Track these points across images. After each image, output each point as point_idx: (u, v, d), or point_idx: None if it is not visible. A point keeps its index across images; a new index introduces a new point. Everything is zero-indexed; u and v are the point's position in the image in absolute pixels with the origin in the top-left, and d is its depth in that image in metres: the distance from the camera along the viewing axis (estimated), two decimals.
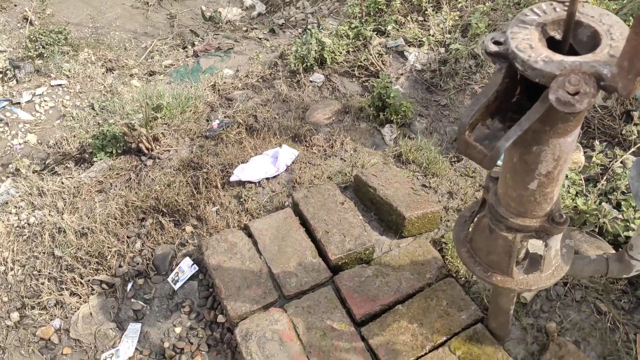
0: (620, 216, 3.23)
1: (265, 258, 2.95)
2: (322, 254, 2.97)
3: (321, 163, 3.81)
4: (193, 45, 7.22)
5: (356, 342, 2.57)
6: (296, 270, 2.87)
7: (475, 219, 2.24)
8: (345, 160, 3.87)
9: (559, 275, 2.06)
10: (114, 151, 4.32)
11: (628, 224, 3.14)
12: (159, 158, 4.24)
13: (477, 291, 2.83)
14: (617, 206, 3.33)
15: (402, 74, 4.96)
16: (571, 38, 1.47)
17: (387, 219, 3.20)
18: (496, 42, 1.50)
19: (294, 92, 4.98)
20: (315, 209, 3.15)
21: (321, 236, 2.99)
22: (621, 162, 3.59)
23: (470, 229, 2.21)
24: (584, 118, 1.47)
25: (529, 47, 1.41)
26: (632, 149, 3.66)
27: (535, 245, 2.12)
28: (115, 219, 3.53)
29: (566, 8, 1.46)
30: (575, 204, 3.34)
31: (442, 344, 2.54)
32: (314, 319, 2.66)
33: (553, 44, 1.46)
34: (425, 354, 2.51)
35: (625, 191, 3.37)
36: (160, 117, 4.61)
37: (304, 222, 3.14)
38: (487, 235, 2.01)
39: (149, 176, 3.97)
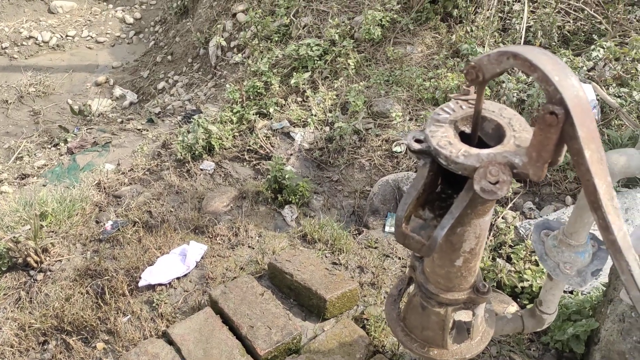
0: (512, 269, 3.54)
1: None
2: (249, 350, 2.90)
3: (230, 254, 3.77)
4: (65, 141, 6.89)
5: None
6: None
7: (404, 296, 2.35)
8: (253, 248, 3.86)
9: (487, 340, 2.21)
10: None
11: (521, 274, 3.45)
12: (50, 270, 3.93)
13: (413, 354, 2.91)
14: (508, 259, 3.65)
15: (291, 154, 5.13)
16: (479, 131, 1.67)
17: (307, 303, 3.22)
18: (417, 140, 1.66)
19: (186, 182, 4.93)
20: (235, 305, 3.09)
21: (246, 332, 2.93)
22: (502, 218, 3.97)
23: (400, 307, 2.31)
24: None
25: (449, 143, 1.57)
26: (510, 205, 4.07)
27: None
28: (12, 346, 3.18)
29: (471, 106, 1.67)
30: None
31: None
32: None
33: (464, 137, 1.65)
34: None
35: (512, 244, 3.71)
36: (46, 225, 4.30)
37: (226, 320, 3.06)
38: (420, 312, 2.12)
39: (42, 291, 3.66)
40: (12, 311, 3.52)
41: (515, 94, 4.52)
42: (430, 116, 1.68)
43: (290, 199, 4.41)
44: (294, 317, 3.17)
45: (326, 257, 3.74)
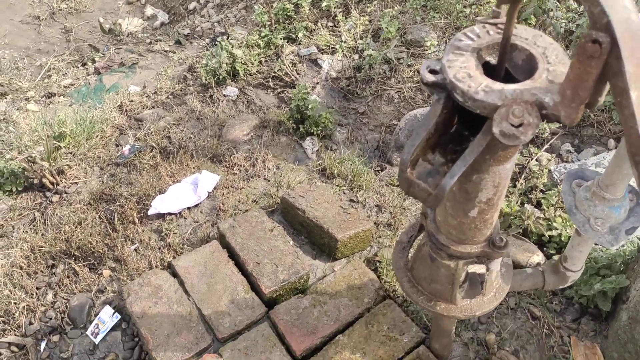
0: (542, 215, 3.29)
1: (194, 299, 2.74)
2: (254, 287, 2.80)
3: (244, 186, 3.63)
4: (94, 61, 6.75)
5: None
6: (229, 309, 2.68)
7: (414, 244, 2.17)
8: (269, 180, 3.71)
9: (501, 297, 2.03)
10: (14, 189, 3.90)
11: (550, 222, 3.20)
12: (65, 192, 3.88)
13: (416, 310, 2.77)
14: (538, 205, 3.40)
15: (317, 83, 4.87)
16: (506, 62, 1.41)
17: (318, 242, 3.08)
18: (432, 71, 1.41)
19: (208, 108, 4.75)
20: (243, 239, 2.97)
21: (252, 269, 2.82)
22: (536, 160, 3.68)
23: (409, 256, 2.13)
24: None
25: (467, 76, 1.32)
26: (545, 146, 3.76)
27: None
28: (21, 268, 3.17)
29: (500, 31, 1.40)
30: None
31: None
32: None
33: (488, 69, 1.39)
34: None
35: (544, 189, 3.45)
36: (64, 147, 4.24)
37: (233, 255, 2.96)
38: (429, 263, 1.94)
39: (56, 214, 3.62)
40: (25, 232, 3.50)
41: (563, 25, 4.08)
42: (450, 42, 1.41)
43: (312, 130, 4.20)
44: (303, 256, 3.04)
45: (344, 193, 3.56)
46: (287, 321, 2.63)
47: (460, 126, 1.53)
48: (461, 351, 2.65)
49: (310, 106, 4.18)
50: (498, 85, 1.26)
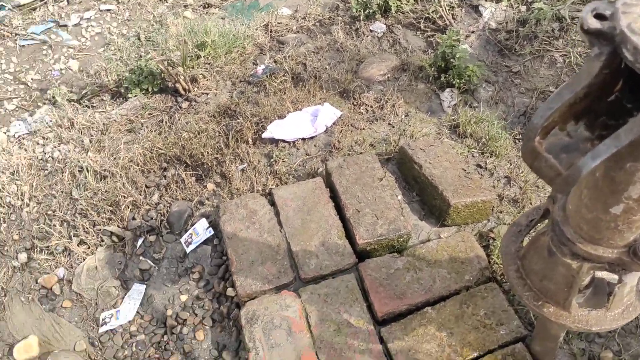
0: None
1: (286, 232, 2.63)
2: (349, 235, 2.62)
3: (366, 127, 3.40)
4: None
5: (373, 344, 2.24)
6: (317, 251, 2.54)
7: (533, 231, 1.83)
8: (393, 127, 3.44)
9: (630, 317, 1.64)
10: (150, 88, 4.04)
11: None
12: (195, 101, 3.94)
13: (524, 303, 2.42)
14: None
15: (473, 32, 4.40)
16: None
17: (430, 202, 2.80)
18: (599, 16, 1.05)
19: (351, 41, 4.52)
20: (349, 183, 2.78)
21: (351, 215, 2.63)
22: None
23: (523, 243, 1.80)
24: None
25: None
26: None
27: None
28: (138, 164, 3.27)
29: None
30: None
31: None
32: (330, 310, 2.35)
33: None
34: None
35: None
36: (204, 56, 4.27)
37: (335, 196, 2.79)
38: (545, 257, 1.60)
39: (182, 120, 3.68)
40: (151, 131, 3.61)
41: None
42: None
43: (454, 82, 3.81)
44: (408, 214, 2.78)
45: (473, 156, 3.19)
46: (375, 278, 2.43)
47: (623, 95, 1.16)
48: None
49: (457, 55, 3.78)
50: None
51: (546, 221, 1.70)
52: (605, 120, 1.14)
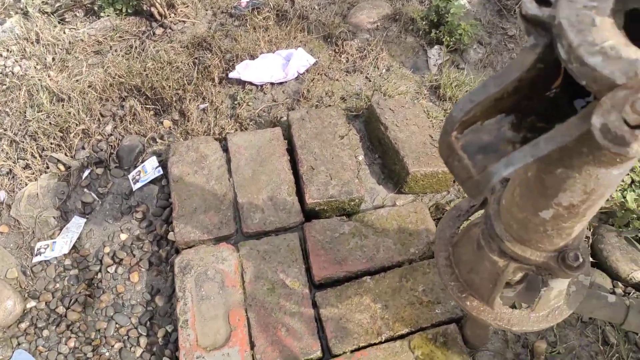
0: None
1: (235, 182, 2.52)
2: (300, 193, 2.51)
3: (340, 78, 3.22)
4: None
5: (305, 308, 2.18)
6: (264, 205, 2.44)
7: (471, 217, 1.73)
8: (370, 81, 3.26)
9: (555, 321, 1.56)
10: (124, 9, 3.81)
11: None
12: (170, 28, 3.72)
13: (448, 293, 2.34)
14: None
15: None
16: None
17: (390, 166, 2.67)
18: (542, 1, 0.90)
19: None
20: (308, 137, 2.64)
21: (304, 172, 2.51)
22: None
23: (459, 228, 1.70)
24: None
25: (590, 23, 0.81)
26: None
27: None
28: (97, 91, 3.11)
29: None
30: (623, 199, 2.71)
31: (402, 337, 2.13)
32: (267, 268, 2.27)
33: (636, 24, 0.87)
34: (379, 342, 2.11)
35: None
36: None
37: (292, 150, 2.66)
38: (473, 249, 1.50)
39: (152, 48, 3.49)
40: (119, 55, 3.42)
41: None
42: None
43: (443, 39, 3.60)
44: (367, 176, 2.66)
45: None
46: (318, 240, 2.34)
47: (563, 94, 1.02)
48: (498, 346, 2.23)
49: (452, 10, 3.55)
50: (633, 52, 0.75)
51: (483, 210, 1.59)
52: (535, 121, 1.01)
